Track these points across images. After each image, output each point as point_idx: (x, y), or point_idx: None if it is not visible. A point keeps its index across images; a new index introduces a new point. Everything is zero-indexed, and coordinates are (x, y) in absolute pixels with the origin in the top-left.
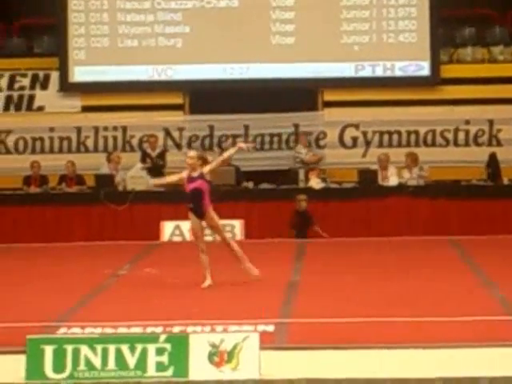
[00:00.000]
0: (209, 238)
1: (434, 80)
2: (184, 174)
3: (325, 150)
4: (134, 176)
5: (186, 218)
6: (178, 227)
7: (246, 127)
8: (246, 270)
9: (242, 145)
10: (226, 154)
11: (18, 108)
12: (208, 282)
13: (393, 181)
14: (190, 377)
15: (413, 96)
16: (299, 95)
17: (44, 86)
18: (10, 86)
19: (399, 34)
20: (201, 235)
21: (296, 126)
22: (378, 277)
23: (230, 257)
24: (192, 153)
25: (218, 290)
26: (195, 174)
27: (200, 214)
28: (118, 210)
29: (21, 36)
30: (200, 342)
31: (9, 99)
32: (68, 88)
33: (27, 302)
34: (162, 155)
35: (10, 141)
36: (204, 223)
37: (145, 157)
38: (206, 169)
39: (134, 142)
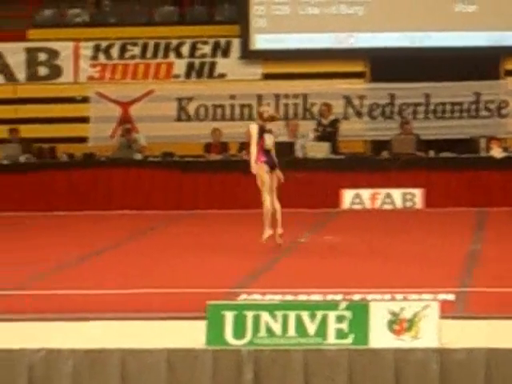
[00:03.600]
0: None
1: None
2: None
3: (507, 118)
4: (305, 144)
5: (365, 185)
6: (357, 195)
7: (427, 96)
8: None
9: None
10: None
11: (199, 75)
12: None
13: None
14: (370, 344)
15: None
16: (481, 64)
17: (225, 54)
18: (192, 54)
19: None
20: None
21: (477, 94)
22: None
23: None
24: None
25: (397, 258)
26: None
27: None
28: (297, 178)
29: (202, 4)
30: (380, 310)
31: (190, 66)
32: (249, 55)
33: (208, 269)
34: (333, 123)
35: (192, 108)
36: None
37: (319, 125)
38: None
39: (315, 109)
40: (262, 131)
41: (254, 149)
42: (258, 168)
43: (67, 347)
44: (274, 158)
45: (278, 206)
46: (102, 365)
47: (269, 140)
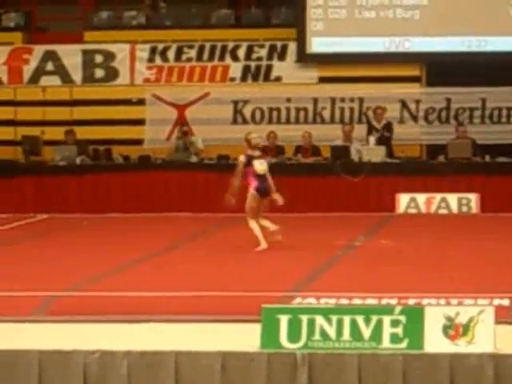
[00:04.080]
0: None
1: None
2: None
3: None
4: (362, 148)
5: (421, 190)
6: (413, 199)
7: (483, 100)
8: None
9: None
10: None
11: (255, 78)
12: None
13: None
14: (425, 349)
15: None
16: None
17: (281, 57)
18: (248, 57)
19: None
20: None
21: None
22: None
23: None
24: None
25: (452, 263)
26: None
27: None
28: (352, 182)
29: (259, 7)
30: (435, 314)
31: (246, 69)
32: (305, 59)
33: (263, 272)
34: (387, 127)
35: (247, 111)
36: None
37: (371, 128)
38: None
39: (371, 113)
40: (251, 159)
41: (235, 178)
42: (249, 195)
43: (122, 349)
44: (268, 183)
45: (262, 220)
46: (156, 367)
47: (260, 166)
